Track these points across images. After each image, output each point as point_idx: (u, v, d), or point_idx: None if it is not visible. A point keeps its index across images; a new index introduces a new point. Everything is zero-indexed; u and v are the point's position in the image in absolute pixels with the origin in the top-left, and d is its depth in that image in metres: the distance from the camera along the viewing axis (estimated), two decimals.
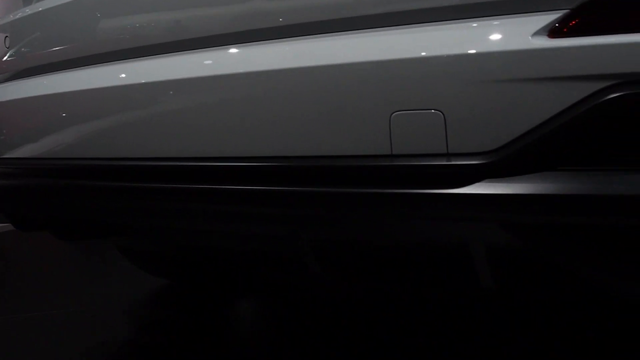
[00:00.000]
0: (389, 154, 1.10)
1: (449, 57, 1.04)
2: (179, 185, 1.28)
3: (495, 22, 1.04)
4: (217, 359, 1.82)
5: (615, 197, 0.98)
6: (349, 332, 1.94)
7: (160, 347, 1.96)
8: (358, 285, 1.97)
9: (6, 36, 1.61)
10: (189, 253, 2.12)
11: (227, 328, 2.14)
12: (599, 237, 1.03)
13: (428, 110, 1.06)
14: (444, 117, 1.05)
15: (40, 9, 1.54)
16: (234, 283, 2.58)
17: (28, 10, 1.57)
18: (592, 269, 1.05)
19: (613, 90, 0.96)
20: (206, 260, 2.27)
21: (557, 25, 1.00)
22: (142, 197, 1.35)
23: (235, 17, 1.24)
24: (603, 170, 0.99)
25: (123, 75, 1.35)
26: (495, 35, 1.03)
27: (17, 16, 1.59)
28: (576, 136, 0.99)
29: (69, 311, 2.31)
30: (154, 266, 2.53)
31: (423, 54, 1.06)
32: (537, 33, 1.00)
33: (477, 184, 1.04)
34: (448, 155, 1.06)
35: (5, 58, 1.62)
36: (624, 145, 0.99)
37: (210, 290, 2.53)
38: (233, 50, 1.24)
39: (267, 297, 2.47)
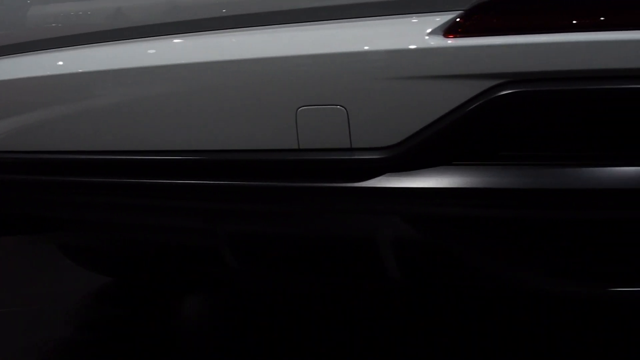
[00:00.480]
0: (297, 148, 1.13)
1: (349, 54, 1.08)
2: (97, 179, 1.30)
3: (394, 21, 1.08)
4: (160, 355, 1.83)
5: (506, 190, 1.03)
6: (299, 329, 1.96)
7: (102, 345, 1.95)
8: (273, 277, 2.00)
9: None
10: (130, 249, 2.13)
11: (172, 325, 2.15)
12: (491, 229, 1.08)
13: (331, 106, 1.09)
14: (347, 112, 1.09)
15: None
16: (178, 279, 2.58)
17: None
18: (486, 259, 1.10)
19: (501, 89, 1.00)
20: (148, 255, 2.28)
21: (451, 25, 1.04)
22: (61, 191, 1.36)
23: (139, 11, 1.27)
24: (495, 165, 1.04)
25: (39, 67, 1.36)
26: (393, 33, 1.07)
27: None
28: (468, 132, 1.03)
29: (8, 310, 2.28)
30: (96, 263, 2.52)
31: (326, 50, 1.09)
32: (432, 32, 1.04)
33: (378, 177, 1.08)
34: (351, 150, 1.10)
35: None
36: (513, 141, 1.04)
37: (154, 286, 2.52)
38: (142, 44, 1.26)
39: (214, 293, 2.48)
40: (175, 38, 1.23)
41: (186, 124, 1.21)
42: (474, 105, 1.01)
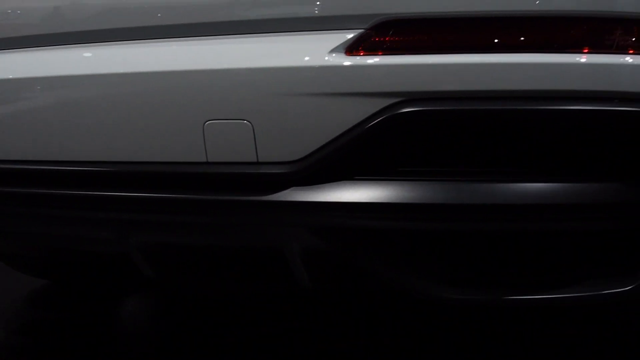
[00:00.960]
0: (205, 161, 1.15)
1: (253, 69, 1.09)
2: (9, 189, 1.29)
3: (297, 38, 1.10)
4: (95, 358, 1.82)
5: (403, 204, 1.06)
6: (233, 331, 1.98)
7: (36, 349, 1.93)
8: (190, 285, 2.01)
9: None
10: (61, 253, 2.10)
11: (108, 327, 2.13)
12: (392, 240, 1.12)
13: (237, 120, 1.11)
14: (253, 127, 1.11)
15: None
16: (113, 281, 2.56)
17: None
18: (388, 268, 1.13)
19: (397, 107, 1.04)
20: (77, 259, 2.26)
21: (352, 43, 1.06)
22: None
23: (44, 19, 1.25)
24: (394, 180, 1.08)
25: None
26: (297, 50, 1.09)
27: None
28: (367, 149, 1.06)
29: None
30: (30, 266, 2.49)
31: (230, 65, 1.11)
32: (334, 50, 1.07)
33: (283, 191, 1.11)
34: (258, 164, 1.12)
35: None
36: (410, 157, 1.07)
37: (91, 288, 2.50)
38: (50, 52, 1.25)
39: (150, 295, 2.47)
40: (84, 48, 1.23)
41: (96, 136, 1.20)
42: (372, 123, 1.04)
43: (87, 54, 1.22)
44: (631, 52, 1.02)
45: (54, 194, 1.24)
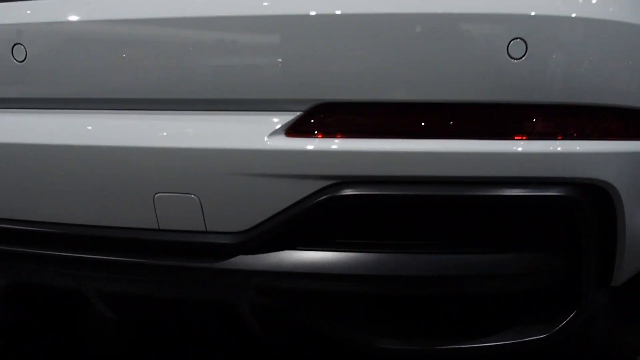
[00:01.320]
0: (157, 228, 1.21)
1: (198, 150, 1.15)
2: None
3: (239, 118, 1.16)
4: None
5: (340, 275, 1.15)
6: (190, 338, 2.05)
7: (5, 351, 1.97)
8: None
9: None
10: None
11: (76, 327, 2.17)
12: (329, 300, 1.21)
13: (185, 194, 1.18)
14: (200, 200, 1.17)
15: None
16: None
17: None
18: (326, 324, 1.23)
19: (335, 190, 1.11)
20: None
21: (291, 126, 1.12)
22: None
23: None
24: (333, 251, 1.16)
25: None
26: (239, 131, 1.15)
27: None
28: (306, 223, 1.14)
29: None
30: None
31: (176, 144, 1.16)
32: (275, 132, 1.13)
33: (231, 259, 1.18)
34: (206, 233, 1.19)
35: None
36: (345, 231, 1.16)
37: (56, 289, 2.52)
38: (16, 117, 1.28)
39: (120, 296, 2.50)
40: (40, 115, 1.26)
41: (57, 201, 1.26)
42: (310, 203, 1.11)
43: (45, 122, 1.25)
44: (559, 138, 1.09)
45: (19, 252, 1.30)
